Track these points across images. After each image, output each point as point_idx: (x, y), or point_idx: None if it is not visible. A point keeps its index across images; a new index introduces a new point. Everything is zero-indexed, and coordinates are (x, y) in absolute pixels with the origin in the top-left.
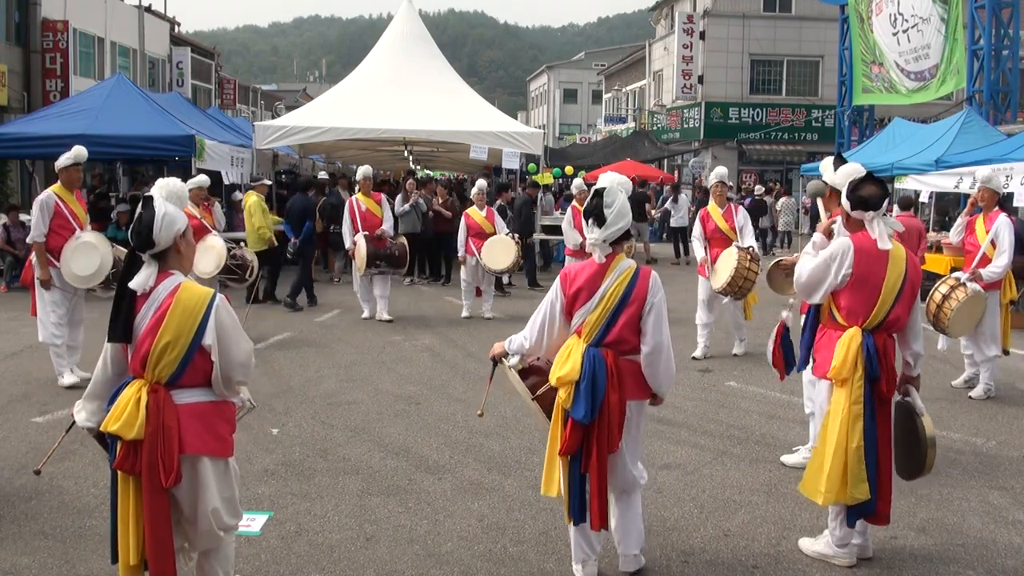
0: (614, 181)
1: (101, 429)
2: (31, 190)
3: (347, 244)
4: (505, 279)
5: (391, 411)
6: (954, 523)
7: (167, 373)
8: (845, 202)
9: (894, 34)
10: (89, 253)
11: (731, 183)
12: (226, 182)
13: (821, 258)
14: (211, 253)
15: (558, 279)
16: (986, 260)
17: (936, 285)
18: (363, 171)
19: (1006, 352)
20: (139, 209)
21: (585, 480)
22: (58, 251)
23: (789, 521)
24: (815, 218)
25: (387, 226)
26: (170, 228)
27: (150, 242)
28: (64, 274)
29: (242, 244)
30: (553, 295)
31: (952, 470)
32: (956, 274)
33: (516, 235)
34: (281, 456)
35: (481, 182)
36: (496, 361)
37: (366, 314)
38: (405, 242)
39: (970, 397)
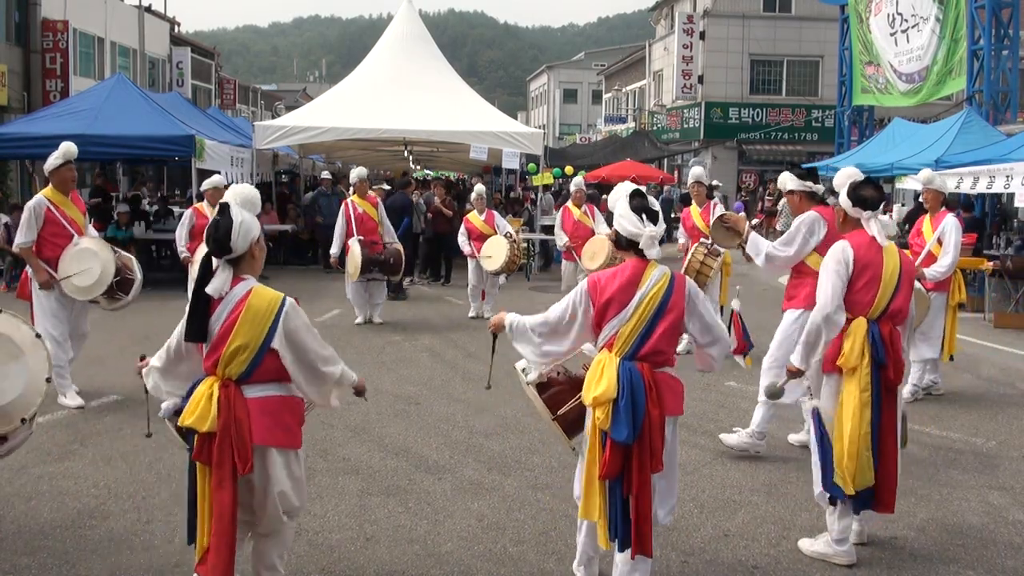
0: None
1: (180, 423)
2: (31, 190)
3: (334, 248)
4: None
5: (391, 411)
6: (954, 523)
7: (236, 372)
8: (846, 201)
9: (892, 34)
10: (88, 261)
11: (714, 182)
12: (225, 182)
13: (834, 276)
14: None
15: (585, 287)
16: (931, 258)
17: None
18: (358, 173)
19: (951, 358)
20: (215, 215)
21: (628, 503)
22: (54, 261)
23: (789, 521)
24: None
25: (389, 234)
26: (247, 236)
27: (227, 249)
28: (63, 286)
29: None
30: (578, 300)
31: (952, 470)
32: None
33: (509, 234)
34: None
35: (480, 187)
36: (495, 334)
37: (359, 320)
38: (400, 249)
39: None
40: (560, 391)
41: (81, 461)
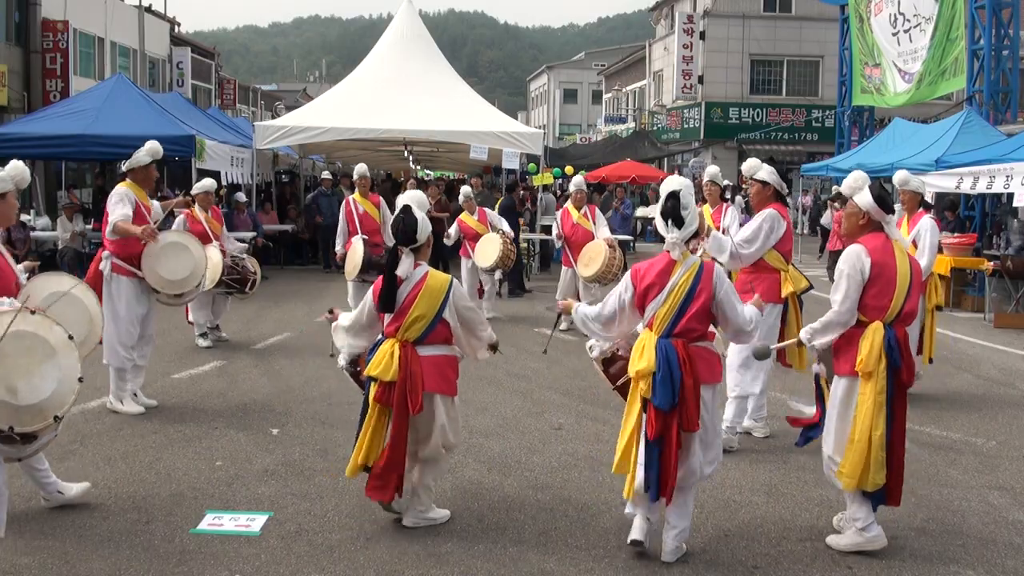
0: (684, 184)
1: (366, 373)
2: (31, 190)
3: (338, 247)
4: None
5: None
6: (954, 523)
7: (414, 336)
8: (871, 204)
9: (894, 34)
10: (178, 254)
11: (728, 182)
12: (224, 183)
13: (849, 282)
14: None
15: (628, 275)
16: None
17: None
18: (360, 170)
19: (930, 361)
20: (400, 214)
21: (661, 461)
22: (136, 257)
23: (789, 521)
24: (815, 220)
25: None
26: (425, 230)
27: (413, 239)
28: (150, 281)
29: (244, 254)
30: (623, 289)
31: (952, 470)
32: None
33: (501, 231)
34: (281, 456)
35: (466, 188)
36: (560, 314)
37: None
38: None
39: None
40: (622, 365)
41: (81, 461)
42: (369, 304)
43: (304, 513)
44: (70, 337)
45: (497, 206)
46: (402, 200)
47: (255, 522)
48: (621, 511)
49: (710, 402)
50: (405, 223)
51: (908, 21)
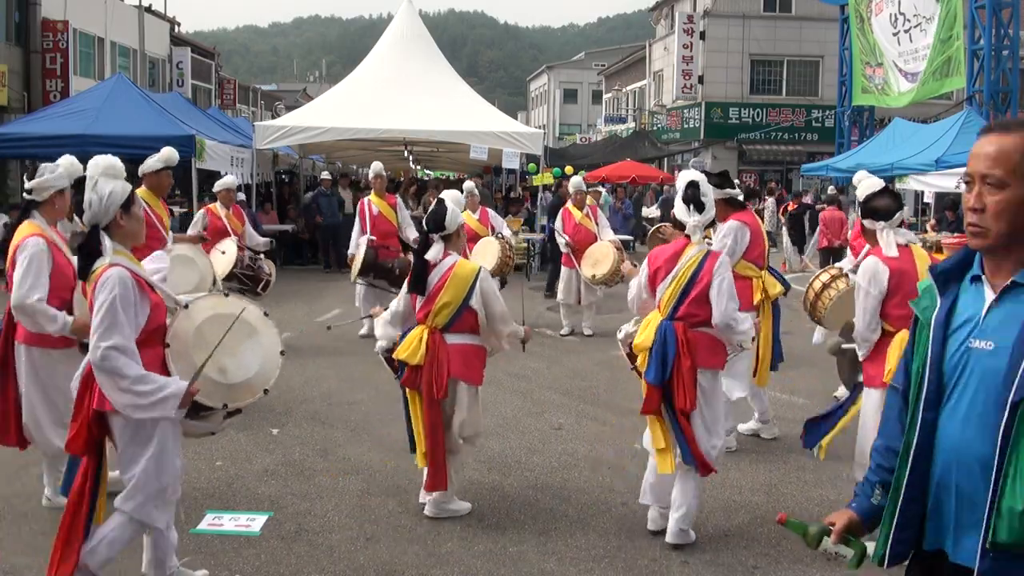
0: (701, 176)
1: (394, 356)
2: None
3: (351, 249)
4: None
5: (391, 411)
6: None
7: (441, 322)
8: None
9: (894, 34)
10: (185, 267)
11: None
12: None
13: (867, 298)
14: (221, 260)
15: (646, 259)
16: None
17: (817, 273)
18: (375, 169)
19: None
20: (433, 206)
21: (685, 434)
22: None
23: None
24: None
25: (411, 232)
26: (456, 220)
27: (442, 227)
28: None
29: (261, 255)
30: (640, 271)
31: None
32: (840, 264)
33: (501, 235)
34: (281, 456)
35: (469, 183)
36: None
37: (364, 331)
38: (410, 261)
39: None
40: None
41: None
42: (405, 294)
43: (304, 513)
44: (265, 314)
45: (533, 207)
46: (442, 195)
47: (255, 522)
48: (621, 511)
49: (708, 386)
50: (436, 211)
51: (908, 21)
